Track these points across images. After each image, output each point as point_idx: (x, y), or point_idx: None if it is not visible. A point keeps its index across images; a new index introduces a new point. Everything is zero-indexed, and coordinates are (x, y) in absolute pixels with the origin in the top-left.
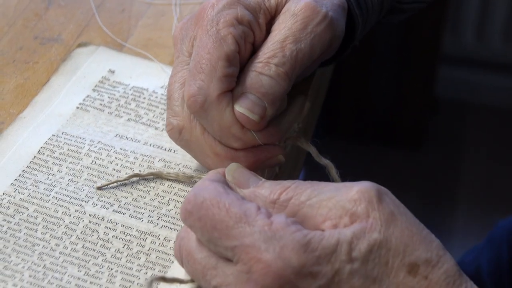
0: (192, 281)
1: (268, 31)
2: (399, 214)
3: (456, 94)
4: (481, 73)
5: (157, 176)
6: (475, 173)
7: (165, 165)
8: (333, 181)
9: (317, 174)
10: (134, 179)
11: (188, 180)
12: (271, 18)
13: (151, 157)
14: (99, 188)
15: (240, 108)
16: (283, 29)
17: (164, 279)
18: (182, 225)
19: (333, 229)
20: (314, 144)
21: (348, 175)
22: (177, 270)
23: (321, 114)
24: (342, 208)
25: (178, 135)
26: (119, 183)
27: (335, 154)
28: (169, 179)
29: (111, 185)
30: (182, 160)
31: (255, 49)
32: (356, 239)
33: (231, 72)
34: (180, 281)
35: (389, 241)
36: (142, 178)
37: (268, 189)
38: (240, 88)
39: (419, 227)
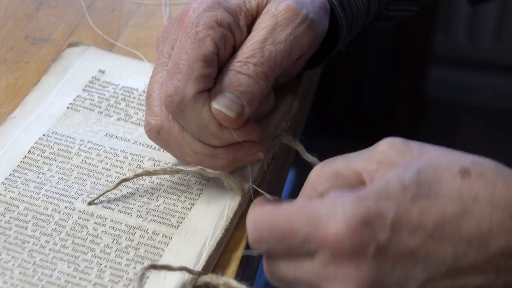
0: (181, 268)
1: (249, 32)
2: (428, 146)
3: (447, 94)
4: (472, 74)
5: (144, 175)
6: None
7: (154, 164)
8: None
9: (307, 174)
10: (124, 175)
11: (176, 173)
12: (252, 19)
13: (140, 156)
14: (89, 203)
15: (217, 105)
16: (263, 30)
17: (154, 267)
18: (171, 218)
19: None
20: (301, 142)
21: None
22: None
23: (313, 114)
24: (375, 161)
25: (156, 134)
26: (113, 176)
27: (327, 153)
28: (157, 175)
29: (99, 197)
30: (172, 159)
31: (235, 51)
32: (401, 174)
33: (208, 72)
34: (170, 268)
35: (432, 162)
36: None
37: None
38: (218, 86)
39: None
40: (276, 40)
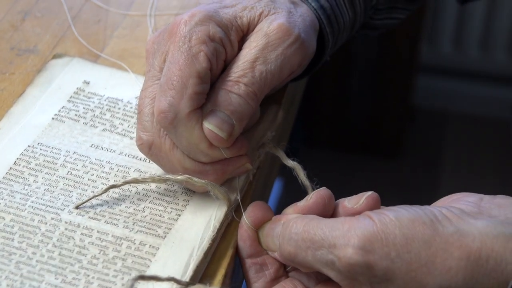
0: (169, 279)
1: (240, 48)
2: (392, 265)
3: (433, 103)
4: (458, 83)
5: (133, 183)
6: (453, 182)
7: (140, 175)
8: (301, 182)
9: (294, 183)
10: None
11: (164, 182)
12: (243, 35)
13: (126, 167)
14: (77, 207)
15: (209, 125)
16: (254, 49)
17: (142, 278)
18: (158, 229)
19: None
20: (283, 149)
21: (326, 185)
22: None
23: (298, 124)
24: (342, 274)
25: (148, 150)
26: (98, 188)
27: (313, 164)
28: (145, 183)
29: (87, 202)
30: (157, 170)
31: (226, 65)
32: None
33: (201, 89)
34: (158, 279)
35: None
36: (118, 187)
37: None
38: (210, 105)
39: (409, 252)
40: (267, 60)
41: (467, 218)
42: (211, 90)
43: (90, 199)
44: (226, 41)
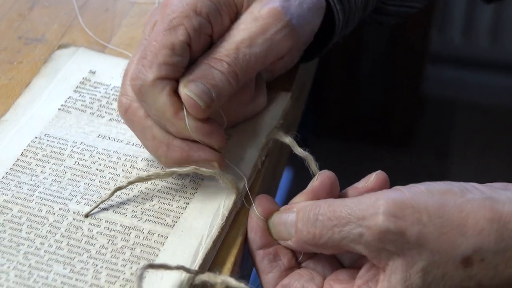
0: (178, 267)
1: (231, 23)
2: (424, 229)
3: (444, 92)
4: (468, 71)
5: (138, 182)
6: (463, 171)
7: (148, 164)
8: (312, 173)
9: (304, 172)
10: (117, 177)
11: (170, 176)
12: (237, 12)
13: (133, 157)
14: (86, 216)
15: (189, 92)
16: (242, 31)
17: (152, 266)
18: (166, 218)
19: None
20: (293, 137)
21: (337, 173)
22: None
23: (308, 113)
24: (373, 247)
25: (124, 113)
26: (107, 177)
27: (322, 153)
28: (151, 180)
29: (95, 208)
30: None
31: (213, 41)
32: (407, 279)
33: (174, 61)
34: (167, 267)
35: (434, 257)
36: (126, 176)
37: None
38: (191, 76)
39: (441, 217)
40: (253, 44)
41: (497, 189)
42: (194, 64)
43: (98, 205)
44: (215, 16)
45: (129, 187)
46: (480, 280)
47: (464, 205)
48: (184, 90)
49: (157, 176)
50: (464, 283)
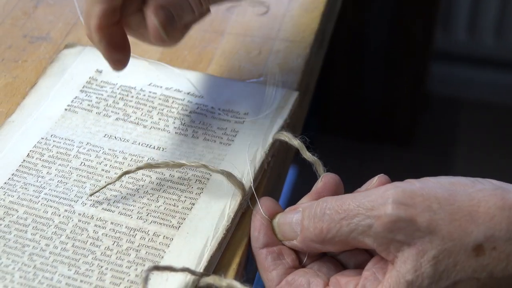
0: (183, 269)
1: None
2: (434, 215)
3: (448, 90)
4: (473, 69)
5: (147, 168)
6: (467, 170)
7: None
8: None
9: (309, 172)
10: (124, 178)
11: (179, 167)
12: None
13: (139, 156)
14: (91, 195)
15: (155, 20)
16: None
17: (157, 268)
18: (172, 219)
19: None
20: (302, 141)
21: (339, 172)
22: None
23: (312, 111)
24: (382, 237)
25: None
26: (110, 184)
27: (326, 151)
28: (159, 168)
29: (100, 190)
30: (171, 158)
31: None
32: (417, 268)
33: None
34: (172, 269)
35: (445, 244)
36: (132, 177)
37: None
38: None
39: (452, 205)
40: None
41: (506, 183)
42: None
43: (104, 186)
44: None
45: (134, 187)
46: (492, 271)
47: (475, 194)
48: (152, 17)
49: (166, 165)
50: (476, 274)
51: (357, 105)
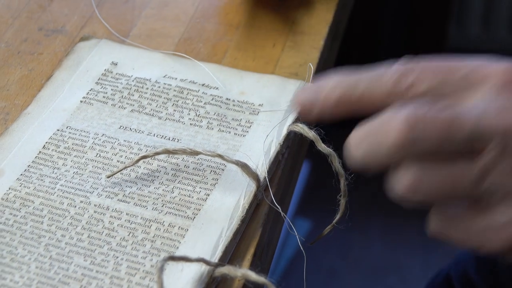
0: (199, 260)
1: None
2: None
3: None
4: None
5: (164, 153)
6: None
7: (168, 155)
8: (335, 171)
9: (322, 165)
10: (139, 169)
11: (196, 155)
12: None
13: (154, 147)
14: (108, 177)
15: None
16: None
17: (172, 258)
18: (187, 210)
19: None
20: (317, 133)
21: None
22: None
23: None
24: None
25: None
26: (128, 168)
27: (341, 145)
28: (176, 154)
29: (118, 173)
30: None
31: None
32: None
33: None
34: (187, 260)
35: None
36: (147, 168)
37: None
38: None
39: None
40: None
41: None
42: None
43: (121, 170)
44: None
45: (150, 178)
46: None
47: None
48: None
49: (183, 152)
50: None
51: None
